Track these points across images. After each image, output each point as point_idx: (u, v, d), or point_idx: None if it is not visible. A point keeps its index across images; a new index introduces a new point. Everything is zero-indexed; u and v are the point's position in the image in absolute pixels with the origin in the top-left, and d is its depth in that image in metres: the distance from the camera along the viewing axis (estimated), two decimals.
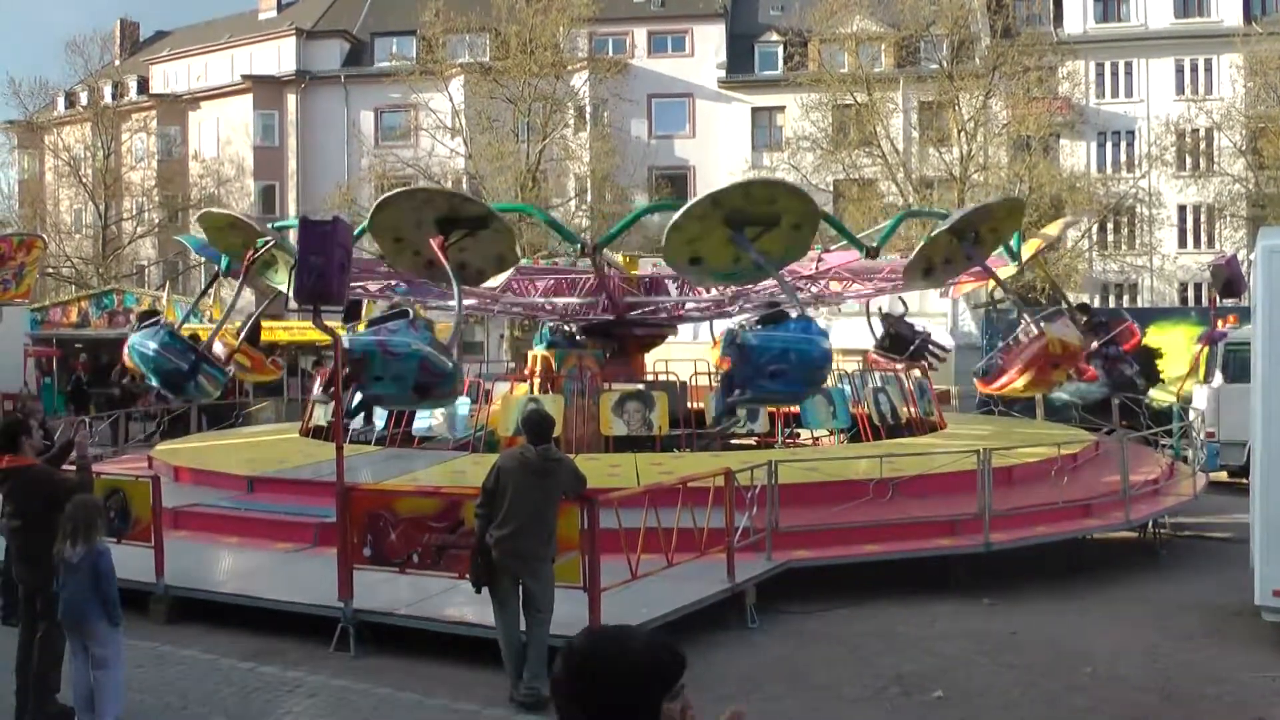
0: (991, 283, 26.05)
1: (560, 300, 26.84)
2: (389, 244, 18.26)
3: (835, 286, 25.93)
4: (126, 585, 13.52)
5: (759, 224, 16.73)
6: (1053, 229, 27.33)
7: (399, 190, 18.22)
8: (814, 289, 25.88)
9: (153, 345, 19.78)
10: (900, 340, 26.81)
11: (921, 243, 19.95)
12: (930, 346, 27.09)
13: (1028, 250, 21.99)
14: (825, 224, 19.17)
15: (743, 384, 16.06)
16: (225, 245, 21.41)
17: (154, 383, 21.01)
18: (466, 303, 26.73)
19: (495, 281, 21.01)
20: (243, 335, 23.55)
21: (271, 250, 20.88)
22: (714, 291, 25.68)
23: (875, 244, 20.44)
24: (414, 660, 13.62)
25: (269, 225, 22.72)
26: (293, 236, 17.16)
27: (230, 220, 21.93)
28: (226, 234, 21.32)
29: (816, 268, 24.28)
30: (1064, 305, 22.46)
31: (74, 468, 12.44)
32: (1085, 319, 21.93)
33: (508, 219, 19.69)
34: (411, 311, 16.64)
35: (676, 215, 16.99)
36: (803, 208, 16.89)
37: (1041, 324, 18.81)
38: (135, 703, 11.71)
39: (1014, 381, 19.16)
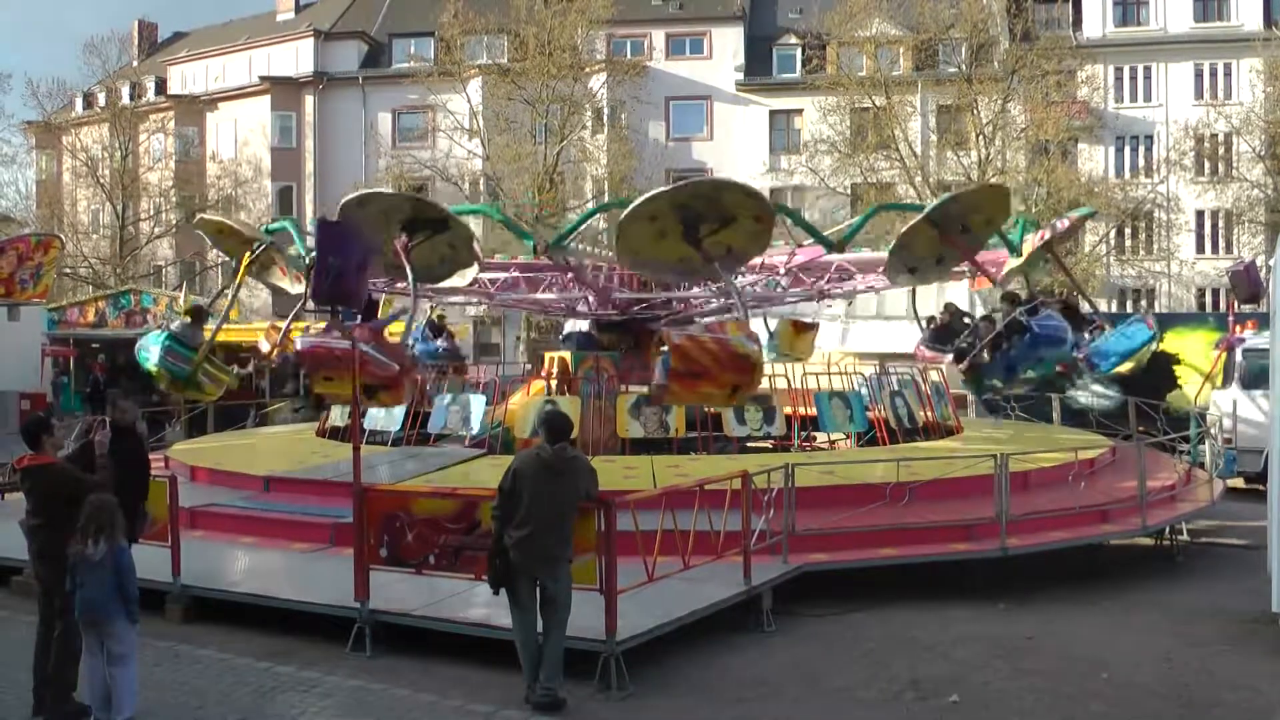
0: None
1: (546, 296, 26.79)
2: None
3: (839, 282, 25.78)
4: (143, 584, 13.52)
5: (713, 221, 16.82)
6: (1061, 221, 27.08)
7: (364, 192, 18.39)
8: (785, 282, 25.75)
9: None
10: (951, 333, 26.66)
11: (897, 237, 19.94)
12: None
13: (1030, 244, 21.81)
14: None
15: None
16: (225, 248, 21.54)
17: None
18: (458, 298, 26.91)
19: (460, 281, 21.08)
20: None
21: (269, 252, 21.08)
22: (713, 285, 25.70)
23: (842, 238, 20.44)
24: (430, 661, 13.64)
25: (262, 229, 22.87)
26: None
27: (220, 226, 22.18)
28: (223, 238, 21.59)
29: (789, 261, 24.15)
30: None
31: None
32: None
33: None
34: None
35: (627, 210, 17.06)
36: (757, 206, 17.02)
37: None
38: (151, 702, 11.75)
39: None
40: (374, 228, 17.61)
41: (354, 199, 18.08)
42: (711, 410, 23.93)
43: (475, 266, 20.77)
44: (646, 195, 17.17)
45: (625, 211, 17.12)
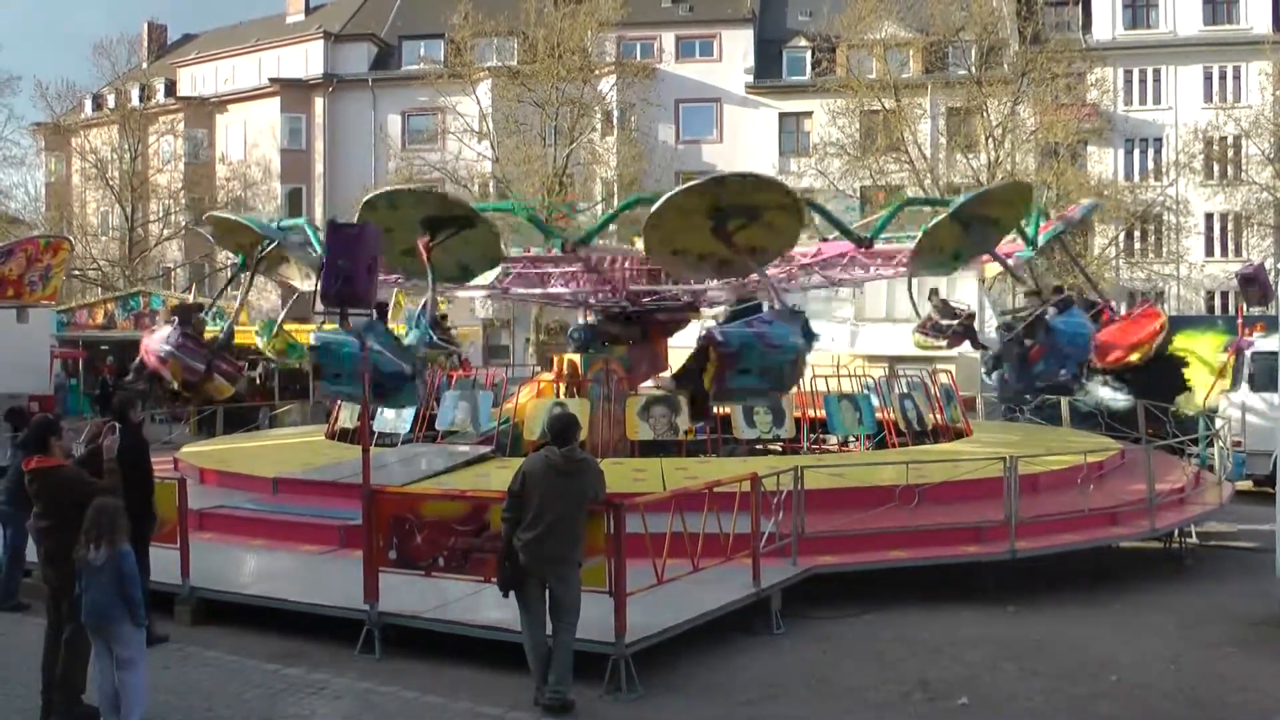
0: (1016, 289, 26.00)
1: (564, 290, 26.68)
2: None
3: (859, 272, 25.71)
4: (152, 586, 13.62)
5: (741, 216, 16.74)
6: (1074, 212, 26.99)
7: (387, 190, 18.22)
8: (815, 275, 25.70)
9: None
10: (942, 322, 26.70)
11: (923, 230, 19.80)
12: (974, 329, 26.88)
13: (1044, 236, 21.67)
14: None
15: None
16: (233, 245, 21.46)
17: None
18: (479, 292, 26.85)
19: (483, 281, 21.04)
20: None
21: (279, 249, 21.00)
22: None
23: (869, 234, 20.32)
24: (439, 663, 13.65)
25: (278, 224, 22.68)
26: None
27: (230, 224, 22.15)
28: (234, 235, 21.56)
29: (816, 254, 24.07)
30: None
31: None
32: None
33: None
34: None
35: (655, 207, 16.95)
36: (783, 199, 16.88)
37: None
38: (160, 704, 11.76)
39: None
40: (399, 226, 17.48)
41: (380, 195, 17.94)
42: (720, 412, 23.94)
43: (499, 267, 20.70)
44: (674, 191, 17.04)
45: (653, 208, 17.02)
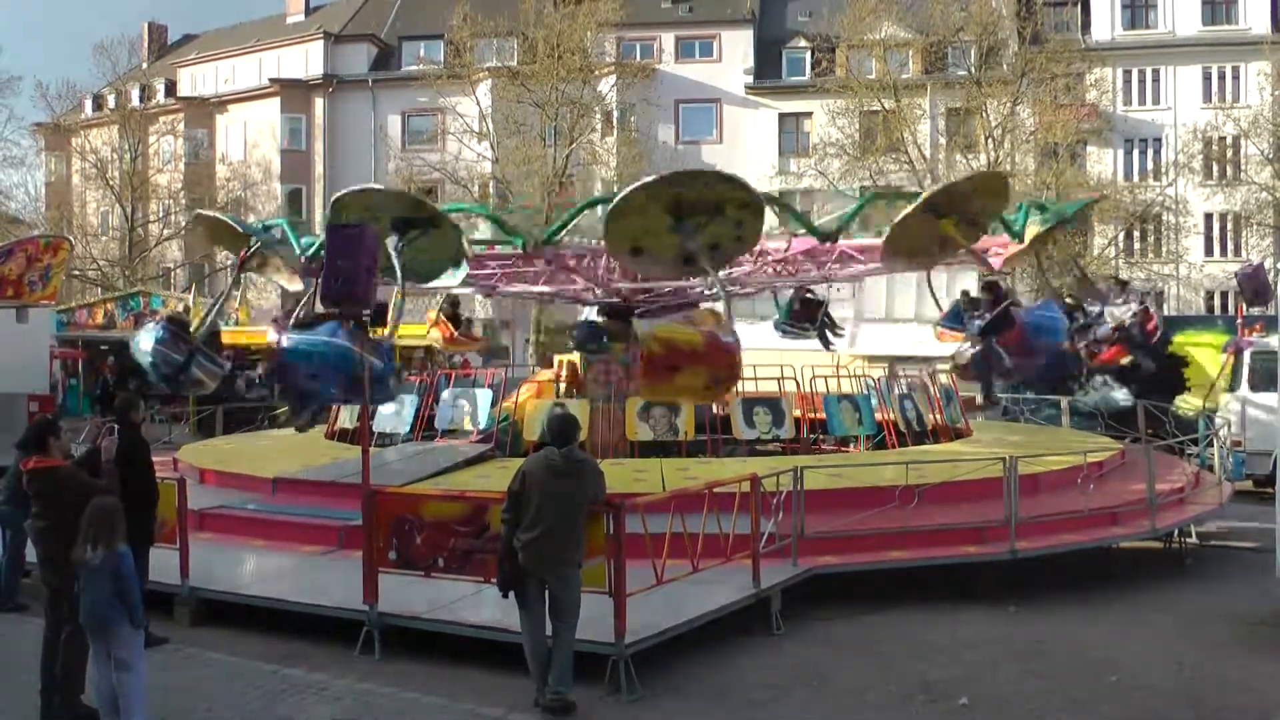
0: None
1: (545, 288, 26.52)
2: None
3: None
4: (152, 587, 13.59)
5: (702, 213, 16.61)
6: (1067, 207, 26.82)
7: (353, 189, 18.01)
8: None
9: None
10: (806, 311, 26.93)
11: (890, 225, 19.41)
12: (827, 321, 27.12)
13: (1031, 230, 21.49)
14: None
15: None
16: (224, 245, 21.42)
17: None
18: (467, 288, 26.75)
19: (451, 280, 20.85)
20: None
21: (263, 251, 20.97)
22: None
23: (834, 228, 20.26)
24: (439, 664, 13.64)
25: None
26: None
27: (216, 223, 22.20)
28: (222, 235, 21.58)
29: (788, 249, 23.90)
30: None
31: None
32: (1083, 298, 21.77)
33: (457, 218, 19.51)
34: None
35: (614, 202, 16.83)
36: (745, 196, 16.73)
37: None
38: (160, 705, 11.71)
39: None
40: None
41: (347, 193, 17.68)
42: (721, 412, 23.90)
43: (465, 265, 20.47)
44: (631, 187, 16.88)
45: (610, 206, 16.88)
